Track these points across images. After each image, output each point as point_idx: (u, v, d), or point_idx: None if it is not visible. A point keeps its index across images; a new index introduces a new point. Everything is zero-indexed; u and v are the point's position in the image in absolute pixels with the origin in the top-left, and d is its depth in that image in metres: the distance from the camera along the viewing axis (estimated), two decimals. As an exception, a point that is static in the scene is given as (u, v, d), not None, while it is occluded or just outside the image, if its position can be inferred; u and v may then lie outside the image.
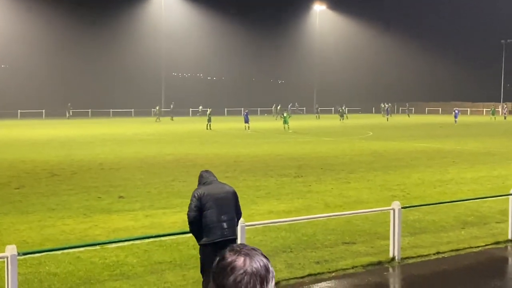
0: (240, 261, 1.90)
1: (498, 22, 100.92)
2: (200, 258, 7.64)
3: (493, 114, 71.56)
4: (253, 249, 1.96)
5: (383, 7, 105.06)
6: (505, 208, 12.37)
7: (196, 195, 7.50)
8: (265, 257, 1.96)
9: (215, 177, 7.82)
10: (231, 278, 1.88)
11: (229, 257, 1.92)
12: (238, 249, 1.95)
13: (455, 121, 59.38)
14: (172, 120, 66.69)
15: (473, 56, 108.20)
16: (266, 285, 1.91)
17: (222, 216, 7.47)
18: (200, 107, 76.43)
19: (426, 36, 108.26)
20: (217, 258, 1.95)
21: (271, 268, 1.94)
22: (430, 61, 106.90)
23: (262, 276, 1.90)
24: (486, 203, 14.46)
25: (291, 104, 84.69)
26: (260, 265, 1.91)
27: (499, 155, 27.86)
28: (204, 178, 7.74)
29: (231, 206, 7.61)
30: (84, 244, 10.16)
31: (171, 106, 70.72)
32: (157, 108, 69.86)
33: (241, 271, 1.88)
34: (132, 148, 30.66)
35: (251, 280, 1.88)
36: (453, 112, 63.52)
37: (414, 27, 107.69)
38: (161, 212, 13.84)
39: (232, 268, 1.89)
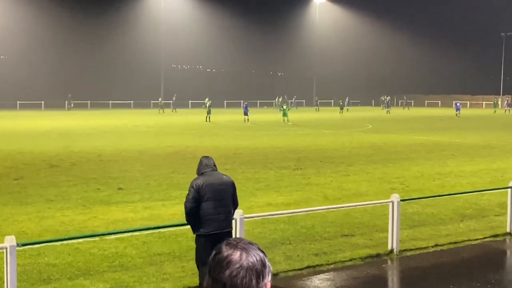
0: (236, 255, 1.90)
1: (498, 15, 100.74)
2: (196, 248, 7.63)
3: (495, 107, 71.39)
4: (250, 243, 1.96)
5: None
6: (504, 201, 12.38)
7: (194, 186, 7.46)
8: (262, 251, 1.95)
9: (215, 165, 7.78)
10: (227, 272, 1.88)
11: (226, 251, 1.92)
12: (234, 243, 1.95)
13: (458, 113, 59.06)
14: (175, 112, 66.42)
15: (473, 49, 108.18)
16: (262, 280, 1.90)
17: (220, 208, 7.45)
18: (206, 99, 75.26)
19: (426, 29, 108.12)
20: (214, 252, 1.95)
21: (267, 263, 1.94)
22: (430, 54, 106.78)
23: (258, 271, 1.89)
24: (485, 196, 14.47)
25: (295, 97, 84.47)
26: (256, 259, 1.91)
27: (498, 148, 27.87)
28: (203, 167, 7.67)
29: (228, 198, 7.58)
30: (83, 235, 10.17)
31: (173, 99, 70.39)
32: (160, 99, 69.80)
33: (237, 265, 1.88)
34: (132, 140, 30.63)
35: (247, 275, 1.88)
36: (455, 105, 63.25)
37: (414, 20, 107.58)
38: (160, 204, 13.85)
39: (228, 262, 1.89)
